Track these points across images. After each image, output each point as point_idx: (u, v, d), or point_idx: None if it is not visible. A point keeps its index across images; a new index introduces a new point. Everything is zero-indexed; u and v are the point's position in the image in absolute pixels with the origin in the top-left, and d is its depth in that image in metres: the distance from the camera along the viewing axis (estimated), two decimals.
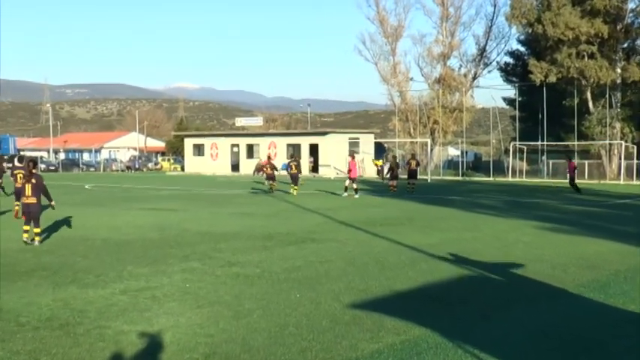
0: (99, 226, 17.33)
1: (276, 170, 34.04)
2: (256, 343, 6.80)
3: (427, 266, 11.19)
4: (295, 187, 30.70)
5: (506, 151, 54.70)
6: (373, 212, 21.61)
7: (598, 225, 17.76)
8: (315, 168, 58.41)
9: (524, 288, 9.63)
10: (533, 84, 48.60)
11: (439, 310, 8.22)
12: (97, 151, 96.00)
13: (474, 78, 64.45)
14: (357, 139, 61.52)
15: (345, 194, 28.26)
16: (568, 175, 34.09)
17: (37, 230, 14.20)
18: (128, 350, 6.64)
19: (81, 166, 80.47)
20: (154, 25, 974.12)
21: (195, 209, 22.97)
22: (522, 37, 58.22)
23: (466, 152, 65.54)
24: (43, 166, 72.30)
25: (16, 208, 17.55)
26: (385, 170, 51.74)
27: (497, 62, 63.34)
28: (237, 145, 66.05)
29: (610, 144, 47.92)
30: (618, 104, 48.59)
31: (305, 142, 60.85)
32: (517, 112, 57.31)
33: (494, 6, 62.64)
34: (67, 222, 18.15)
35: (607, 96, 47.31)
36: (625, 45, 49.10)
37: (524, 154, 52.42)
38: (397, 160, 35.82)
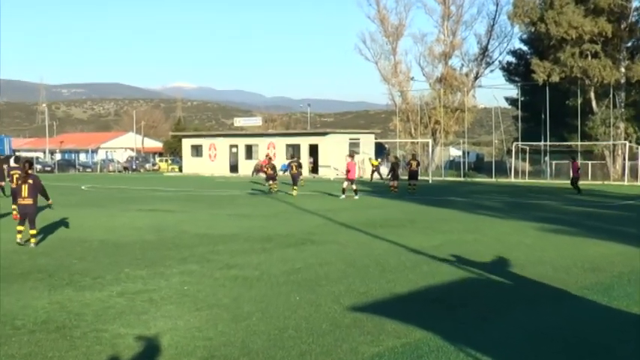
0: (96, 228, 17.33)
1: (276, 172, 34.06)
2: (255, 347, 6.80)
3: (428, 268, 11.19)
4: (294, 188, 30.76)
5: (509, 152, 54.75)
6: (374, 213, 21.61)
7: (601, 226, 17.76)
8: (314, 169, 58.42)
9: (527, 290, 9.63)
10: (535, 84, 48.62)
11: (440, 312, 8.22)
12: (94, 151, 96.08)
13: (476, 77, 64.52)
14: (358, 139, 61.55)
15: (343, 196, 28.19)
16: (571, 174, 34.01)
17: (33, 232, 14.21)
18: (125, 354, 6.64)
19: (77, 166, 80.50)
20: (151, 23, 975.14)
21: (193, 211, 22.97)
22: (525, 36, 58.27)
23: (468, 153, 65.58)
24: (39, 166, 72.31)
25: (14, 210, 17.55)
26: (386, 171, 51.84)
27: (500, 61, 63.43)
28: (236, 146, 66.09)
29: (614, 144, 47.94)
30: (622, 104, 48.60)
31: (305, 143, 60.88)
32: (519, 112, 57.33)
33: (497, 4, 63.00)
34: (63, 223, 18.15)
35: (611, 96, 47.34)
36: (629, 44, 49.12)
37: (527, 154, 52.43)
38: (398, 160, 35.89)
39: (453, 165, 63.03)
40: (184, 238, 15.22)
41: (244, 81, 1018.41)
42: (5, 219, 19.50)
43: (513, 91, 61.18)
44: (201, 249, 13.52)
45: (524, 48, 60.61)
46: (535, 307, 8.49)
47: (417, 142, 61.77)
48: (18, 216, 14.94)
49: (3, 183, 25.98)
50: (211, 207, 24.54)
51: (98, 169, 78.95)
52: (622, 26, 46.55)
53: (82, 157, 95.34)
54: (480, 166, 63.43)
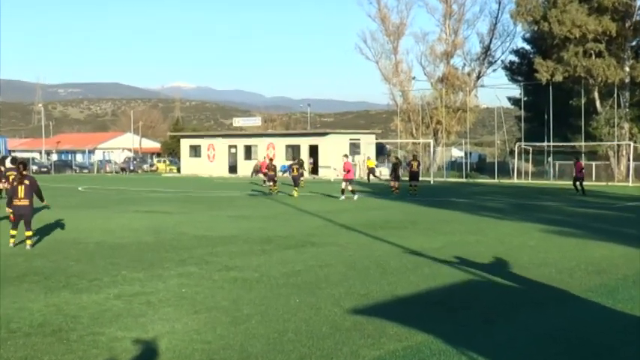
0: (92, 229, 17.33)
1: (276, 173, 34.09)
2: (254, 350, 6.79)
3: (430, 270, 11.19)
4: (295, 189, 30.83)
5: (511, 152, 54.73)
6: (374, 215, 21.62)
7: (606, 228, 17.76)
8: (314, 169, 58.43)
9: (530, 293, 9.63)
10: (539, 83, 48.61)
11: (442, 315, 8.22)
12: (91, 152, 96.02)
13: (478, 77, 64.49)
14: (358, 139, 61.54)
15: (343, 197, 28.26)
16: (574, 174, 33.84)
17: (29, 233, 14.21)
18: (122, 357, 6.64)
19: (74, 167, 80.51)
20: (149, 22, 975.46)
21: (191, 212, 22.98)
22: (528, 35, 58.26)
23: (470, 153, 65.55)
24: (35, 167, 72.32)
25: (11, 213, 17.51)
26: (383, 172, 51.84)
27: (502, 61, 63.38)
28: (235, 146, 66.10)
29: (618, 145, 47.91)
30: (627, 104, 48.59)
31: (304, 143, 60.90)
32: (522, 112, 57.32)
33: (499, 3, 62.64)
34: (59, 225, 18.15)
35: (615, 95, 47.31)
36: (634, 43, 49.10)
37: (530, 155, 52.40)
38: (399, 161, 35.91)
39: (454, 166, 62.99)
40: (182, 240, 15.22)
41: (243, 81, 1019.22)
42: (3, 222, 19.48)
43: (516, 91, 61.21)
44: (200, 251, 13.52)
45: (527, 47, 60.63)
46: (539, 310, 8.49)
47: (419, 143, 61.74)
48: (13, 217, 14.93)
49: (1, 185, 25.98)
50: (210, 208, 24.55)
51: (95, 170, 78.96)
52: (626, 25, 46.53)
53: (79, 157, 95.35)
54: (482, 166, 63.43)
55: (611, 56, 46.25)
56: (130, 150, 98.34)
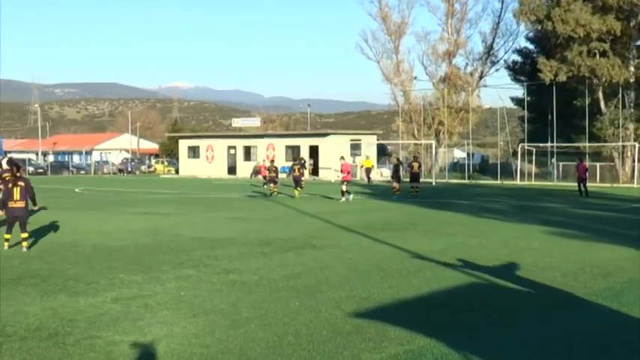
0: (90, 232, 17.33)
1: (278, 174, 34.11)
2: (254, 354, 6.79)
3: (432, 273, 11.18)
4: (297, 190, 30.87)
5: (515, 154, 54.70)
6: (375, 216, 21.62)
7: (611, 230, 17.75)
8: (315, 171, 58.44)
9: (534, 296, 9.62)
10: (542, 83, 48.61)
11: (444, 319, 8.21)
12: (88, 153, 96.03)
13: (481, 77, 64.54)
14: (359, 140, 61.55)
15: (343, 199, 28.32)
16: (577, 175, 33.57)
17: (25, 235, 14.21)
18: None
19: (71, 168, 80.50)
20: (147, 22, 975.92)
21: (190, 214, 22.98)
22: (531, 35, 58.26)
23: (472, 154, 65.59)
24: (31, 168, 72.39)
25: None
26: (389, 173, 51.75)
27: (505, 61, 63.43)
28: (234, 147, 66.11)
29: (623, 146, 47.90)
30: (631, 104, 48.56)
31: (305, 144, 60.91)
32: (526, 113, 57.30)
33: (502, 2, 62.74)
34: (56, 227, 18.16)
35: (620, 96, 47.30)
36: (639, 42, 49.09)
37: (533, 156, 52.40)
38: (400, 162, 35.93)
39: (457, 167, 62.97)
40: (181, 242, 15.22)
41: (243, 81, 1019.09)
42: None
43: (519, 91, 61.21)
44: (198, 253, 13.52)
45: (531, 46, 60.66)
46: (543, 314, 8.48)
47: (420, 144, 61.77)
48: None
49: None
50: (209, 210, 24.55)
51: (92, 171, 78.96)
52: (631, 24, 46.49)
53: (76, 158, 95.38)
54: (484, 168, 63.39)
55: (616, 56, 46.25)
56: (127, 151, 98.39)
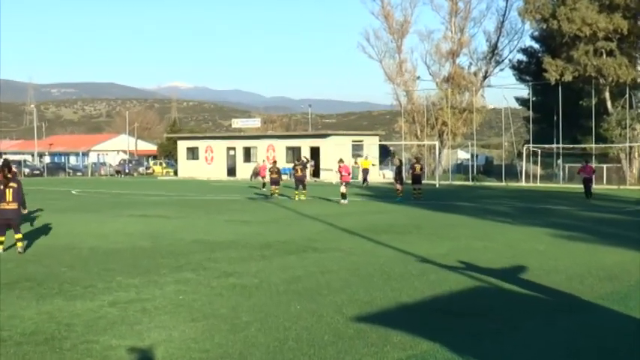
0: (86, 234, 17.33)
1: (281, 175, 34.17)
2: (254, 359, 6.79)
3: (436, 277, 11.18)
4: (301, 192, 30.86)
5: (519, 155, 54.69)
6: (377, 219, 21.62)
7: (617, 233, 17.74)
8: (316, 172, 58.45)
9: (539, 300, 9.61)
10: (547, 83, 48.58)
11: (448, 323, 8.21)
12: (85, 154, 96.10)
13: (485, 77, 64.48)
14: (361, 141, 61.56)
15: (343, 201, 28.28)
16: (584, 176, 33.25)
17: (19, 236, 14.22)
18: None
19: (67, 170, 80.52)
20: (145, 21, 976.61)
21: (189, 216, 22.99)
22: (536, 34, 58.25)
23: (476, 155, 65.50)
24: (27, 170, 72.45)
25: None
26: (391, 175, 51.71)
27: (510, 60, 63.36)
28: (234, 148, 66.13)
29: (630, 147, 47.85)
30: (639, 104, 48.57)
31: (305, 145, 60.91)
32: (531, 113, 57.29)
33: (507, 0, 62.66)
34: (52, 229, 18.17)
35: (627, 96, 47.26)
36: None
37: (539, 157, 52.36)
38: (402, 164, 35.96)
39: (460, 168, 62.94)
40: (179, 245, 15.22)
41: (242, 80, 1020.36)
42: None
43: (524, 91, 61.19)
44: (198, 256, 13.52)
45: (536, 46, 60.62)
46: (549, 318, 8.47)
47: (424, 145, 61.74)
48: None
49: None
50: (208, 212, 24.56)
51: (89, 173, 79.01)
52: (638, 23, 46.49)
53: (73, 160, 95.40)
54: (489, 169, 63.37)
55: (623, 55, 46.21)
56: (125, 152, 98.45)
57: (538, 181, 49.80)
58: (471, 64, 65.37)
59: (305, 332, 7.73)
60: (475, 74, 64.46)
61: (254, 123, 75.06)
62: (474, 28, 68.73)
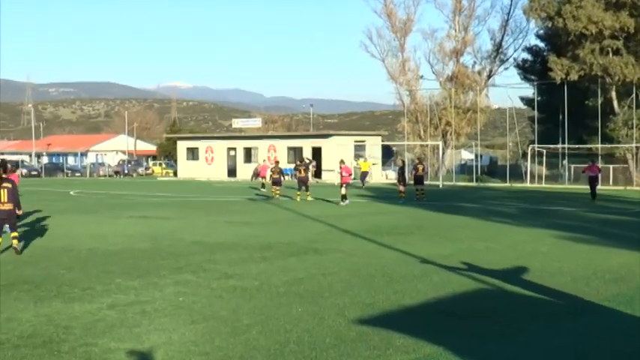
0: (85, 236, 17.35)
1: (284, 176, 34.20)
2: None
3: (439, 279, 11.18)
4: (305, 193, 30.89)
5: (524, 155, 54.70)
6: (380, 220, 21.63)
7: (623, 234, 17.73)
8: (317, 173, 58.47)
9: (544, 302, 9.62)
10: (553, 82, 48.60)
11: (452, 325, 8.21)
12: (83, 154, 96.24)
13: (489, 76, 64.50)
14: (363, 141, 61.58)
15: (344, 203, 28.21)
16: (590, 175, 33.05)
17: (15, 234, 14.24)
18: None
19: (65, 170, 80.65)
20: (145, 19, 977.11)
21: (189, 217, 23.01)
22: (541, 32, 58.27)
23: (481, 156, 65.56)
24: (24, 170, 72.51)
25: None
26: (394, 175, 51.68)
27: (515, 59, 63.38)
28: (234, 149, 66.19)
29: (637, 147, 47.84)
30: None
31: (307, 145, 60.95)
32: (536, 113, 57.28)
33: None
34: (50, 231, 18.19)
35: (634, 95, 47.26)
36: None
37: (544, 157, 52.39)
38: (404, 164, 35.98)
39: (464, 169, 63.00)
40: (179, 247, 15.24)
41: (243, 80, 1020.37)
42: None
43: (529, 91, 61.19)
44: (198, 258, 13.53)
45: (541, 44, 60.64)
46: (555, 320, 8.47)
47: (427, 145, 61.74)
48: None
49: None
50: (208, 213, 24.57)
51: (88, 174, 79.11)
52: None
53: (71, 160, 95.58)
54: (493, 170, 63.40)
55: (630, 54, 46.20)
56: (124, 152, 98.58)
57: (543, 181, 49.82)
58: (475, 63, 65.47)
59: (306, 335, 7.74)
60: (479, 73, 64.48)
61: (255, 123, 75.13)
62: (478, 26, 68.60)
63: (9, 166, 15.90)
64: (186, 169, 68.96)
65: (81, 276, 11.57)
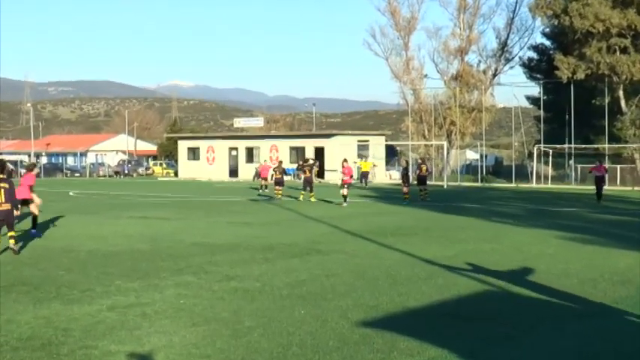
0: (84, 237, 17.36)
1: (284, 177, 34.24)
2: None
3: (443, 281, 11.18)
4: (308, 194, 30.90)
5: (530, 155, 54.68)
6: (383, 221, 21.61)
7: (631, 236, 17.70)
8: (320, 173, 58.49)
9: (550, 304, 9.60)
10: (559, 81, 48.57)
11: (457, 328, 8.20)
12: (83, 154, 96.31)
13: (495, 75, 64.46)
14: (367, 141, 61.57)
15: (346, 203, 28.20)
16: (598, 174, 32.86)
17: (13, 233, 14.24)
18: None
19: (65, 171, 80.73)
20: (145, 17, 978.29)
21: (189, 218, 23.01)
22: (547, 30, 58.27)
23: (486, 156, 65.52)
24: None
25: None
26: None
27: (520, 57, 63.37)
28: (236, 149, 66.23)
29: None
30: None
31: (310, 145, 60.96)
32: (542, 112, 57.25)
33: None
34: (49, 231, 18.20)
35: None
36: None
37: (550, 157, 52.35)
38: (408, 165, 35.98)
39: (469, 169, 62.96)
40: (180, 248, 15.24)
41: (245, 79, 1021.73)
42: None
43: (535, 90, 61.18)
44: (199, 259, 13.53)
45: (547, 43, 60.60)
46: (562, 323, 8.46)
47: (431, 145, 61.74)
48: None
49: None
50: (209, 214, 24.58)
51: (87, 174, 79.20)
52: None
53: (70, 160, 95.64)
54: (498, 170, 63.38)
55: (637, 52, 46.15)
56: (124, 152, 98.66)
57: (549, 182, 49.77)
58: (480, 61, 65.41)
59: (309, 337, 7.74)
60: (484, 72, 64.43)
61: (257, 122, 75.21)
62: (484, 24, 68.51)
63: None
64: (187, 170, 69.01)
65: (80, 277, 11.58)
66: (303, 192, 31.36)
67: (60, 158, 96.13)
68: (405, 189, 31.45)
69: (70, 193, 39.65)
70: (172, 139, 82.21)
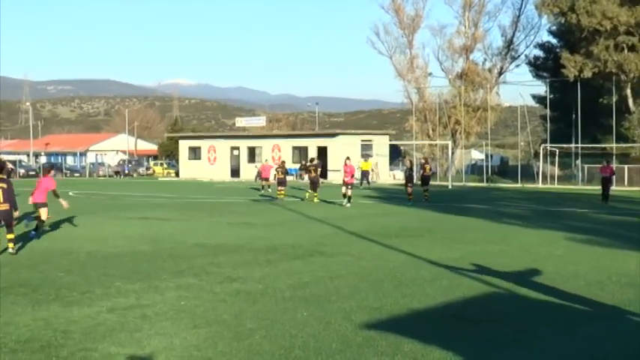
0: (84, 238, 17.37)
1: (289, 175, 34.30)
2: None
3: (448, 282, 11.16)
4: (312, 194, 30.88)
5: (536, 155, 54.67)
6: (388, 222, 21.60)
7: (638, 237, 17.67)
8: (323, 173, 58.50)
9: (558, 306, 9.58)
10: (566, 80, 48.55)
11: (462, 331, 8.19)
12: (82, 154, 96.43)
13: (500, 73, 64.47)
14: (371, 141, 61.54)
15: (349, 204, 28.13)
16: (605, 176, 32.64)
17: (11, 236, 14.25)
18: None
19: (64, 171, 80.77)
20: (145, 15, 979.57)
21: (191, 219, 23.01)
22: (554, 28, 58.27)
23: (491, 156, 65.55)
24: (22, 170, 72.71)
25: None
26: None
27: (526, 56, 63.40)
28: (238, 148, 66.26)
29: None
30: None
31: (312, 145, 60.98)
32: (548, 112, 57.25)
33: None
34: (48, 233, 18.20)
35: None
36: None
37: (556, 157, 52.29)
38: (412, 165, 35.97)
39: (474, 169, 62.98)
40: (181, 249, 15.23)
41: (247, 77, 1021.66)
42: None
43: (541, 88, 61.17)
44: (200, 261, 13.53)
45: (554, 41, 60.60)
46: (570, 325, 8.45)
47: (436, 144, 61.73)
48: None
49: None
50: (211, 215, 24.58)
51: (87, 174, 79.28)
52: None
53: (70, 160, 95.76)
54: (504, 170, 63.38)
55: None
56: (124, 152, 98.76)
57: (556, 182, 49.73)
58: (485, 59, 65.45)
59: (312, 340, 7.72)
60: (490, 70, 64.43)
61: (259, 122, 75.23)
62: (489, 22, 68.59)
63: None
64: (188, 169, 69.06)
65: (80, 279, 11.58)
66: (308, 192, 31.37)
67: (59, 158, 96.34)
68: (409, 189, 31.43)
69: (70, 194, 39.62)
70: (173, 139, 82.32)
